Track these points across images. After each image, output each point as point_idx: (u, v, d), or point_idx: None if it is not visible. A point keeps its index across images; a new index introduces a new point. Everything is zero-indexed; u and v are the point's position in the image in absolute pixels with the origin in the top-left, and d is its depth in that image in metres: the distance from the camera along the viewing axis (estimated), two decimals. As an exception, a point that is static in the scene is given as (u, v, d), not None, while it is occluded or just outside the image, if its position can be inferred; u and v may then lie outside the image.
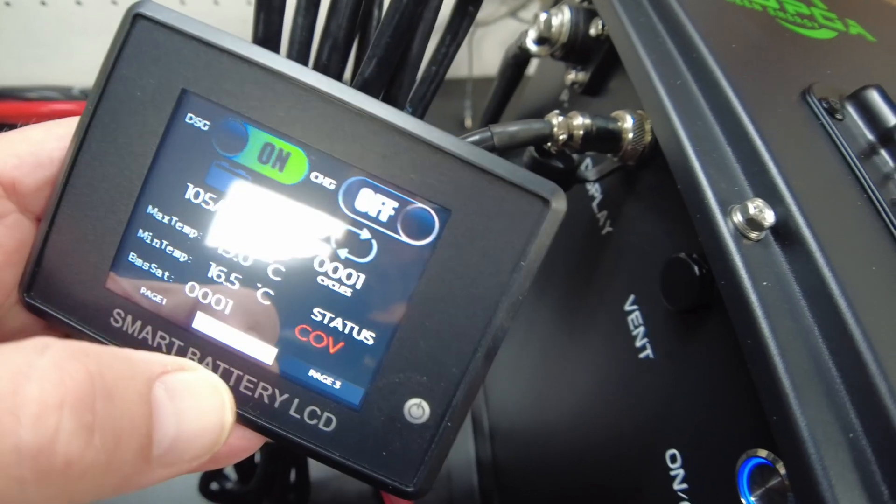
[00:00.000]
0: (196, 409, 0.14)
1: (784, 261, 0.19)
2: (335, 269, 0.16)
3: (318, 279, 0.16)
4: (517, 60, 0.33)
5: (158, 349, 0.16)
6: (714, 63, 0.23)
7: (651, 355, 0.24)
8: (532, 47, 0.30)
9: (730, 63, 0.24)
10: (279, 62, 0.16)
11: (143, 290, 0.16)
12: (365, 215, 0.16)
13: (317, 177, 0.16)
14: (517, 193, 0.16)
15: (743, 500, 0.19)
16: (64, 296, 0.16)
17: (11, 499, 0.10)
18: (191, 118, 0.16)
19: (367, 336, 0.16)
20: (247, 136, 0.16)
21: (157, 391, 0.13)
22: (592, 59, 0.29)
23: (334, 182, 0.16)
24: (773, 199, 0.20)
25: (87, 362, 0.11)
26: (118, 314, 0.16)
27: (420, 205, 0.16)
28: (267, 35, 0.22)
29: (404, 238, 0.16)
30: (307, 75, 0.16)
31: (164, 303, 0.16)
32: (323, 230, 0.16)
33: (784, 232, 0.19)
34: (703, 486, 0.21)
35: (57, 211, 0.16)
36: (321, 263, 0.16)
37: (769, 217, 0.19)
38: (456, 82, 0.63)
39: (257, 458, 0.36)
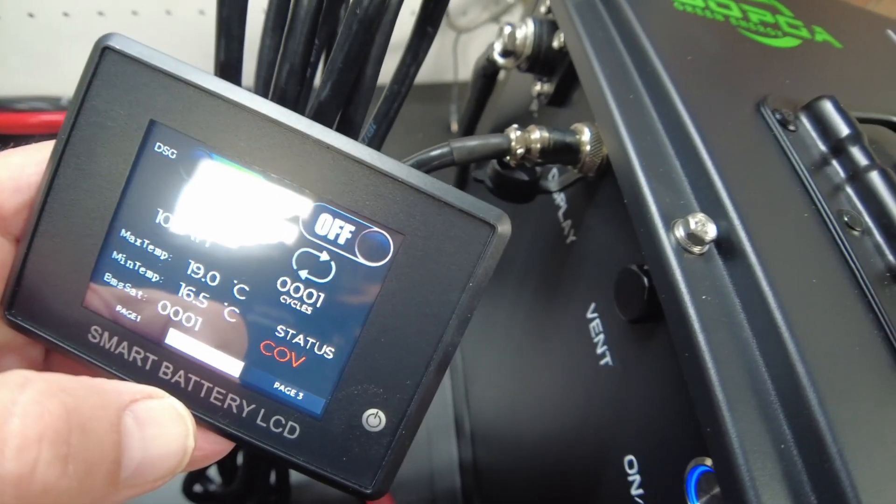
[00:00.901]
0: (161, 436, 0.15)
1: (725, 274, 0.20)
2: (297, 289, 0.17)
3: (281, 298, 0.17)
4: (486, 72, 0.33)
5: (133, 364, 0.17)
6: (666, 77, 0.24)
7: (610, 362, 0.25)
8: (498, 60, 0.30)
9: (683, 76, 0.24)
10: (240, 95, 0.16)
11: (118, 307, 0.17)
12: (324, 238, 0.17)
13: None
14: (465, 219, 0.17)
15: (689, 508, 0.19)
16: (44, 313, 0.17)
17: None
18: (159, 147, 0.17)
19: (327, 351, 0.17)
20: None
21: (126, 420, 0.14)
22: (557, 71, 0.30)
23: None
24: (717, 213, 0.20)
25: (64, 398, 0.13)
26: (95, 331, 0.17)
27: (375, 229, 0.17)
28: (228, 59, 0.23)
29: (361, 260, 0.17)
30: (266, 107, 0.16)
31: (138, 320, 0.17)
32: (285, 252, 0.17)
33: (727, 246, 0.20)
34: (657, 493, 0.21)
35: (35, 233, 0.17)
36: (283, 283, 0.17)
37: (711, 231, 0.19)
38: (441, 87, 0.63)
39: (239, 461, 0.37)
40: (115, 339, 0.17)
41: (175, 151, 0.17)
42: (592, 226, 0.27)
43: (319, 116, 0.21)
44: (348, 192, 0.16)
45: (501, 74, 0.36)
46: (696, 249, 0.20)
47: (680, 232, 0.20)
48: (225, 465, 0.39)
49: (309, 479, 0.45)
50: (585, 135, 0.25)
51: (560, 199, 0.30)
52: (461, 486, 0.42)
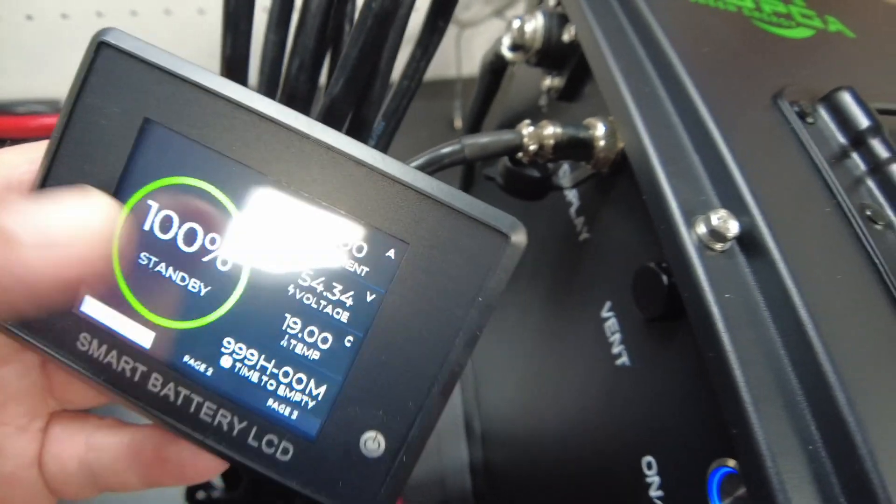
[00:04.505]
0: (68, 195, 0.13)
1: (749, 272, 0.19)
2: (290, 302, 0.16)
3: (274, 311, 0.16)
4: (494, 67, 0.33)
5: (123, 373, 0.17)
6: (683, 69, 0.23)
7: (627, 362, 0.24)
8: (507, 54, 0.30)
9: (699, 69, 0.24)
10: (237, 91, 0.16)
11: (108, 314, 0.17)
12: (320, 246, 0.16)
13: None
14: (476, 227, 0.15)
15: (712, 510, 0.19)
16: (36, 319, 0.17)
17: None
18: (153, 147, 0.16)
19: (323, 369, 0.16)
20: None
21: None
22: (567, 65, 0.29)
23: None
24: (739, 208, 0.20)
25: None
26: (84, 338, 0.17)
27: (377, 237, 0.16)
28: (234, 55, 0.22)
29: (360, 269, 0.16)
30: (264, 105, 0.16)
31: (127, 327, 0.17)
32: (281, 262, 0.16)
33: (749, 242, 0.19)
34: (677, 494, 0.21)
35: None
36: (277, 296, 0.16)
37: (733, 228, 0.19)
38: (445, 83, 0.62)
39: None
40: (103, 348, 0.17)
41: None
42: (607, 222, 0.26)
43: (331, 113, 0.20)
44: (348, 196, 0.16)
45: (508, 70, 0.35)
46: (718, 246, 0.19)
47: (701, 229, 0.19)
48: (229, 469, 0.39)
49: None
50: (599, 130, 0.25)
51: (572, 195, 0.29)
52: (472, 489, 0.42)
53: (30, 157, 0.17)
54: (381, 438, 0.16)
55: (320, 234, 0.16)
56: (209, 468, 0.17)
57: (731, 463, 0.18)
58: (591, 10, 0.26)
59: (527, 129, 0.24)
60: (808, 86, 0.25)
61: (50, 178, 0.16)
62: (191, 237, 0.16)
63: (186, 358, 0.16)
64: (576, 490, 0.27)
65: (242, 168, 0.16)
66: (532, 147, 0.24)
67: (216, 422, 0.16)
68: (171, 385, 0.16)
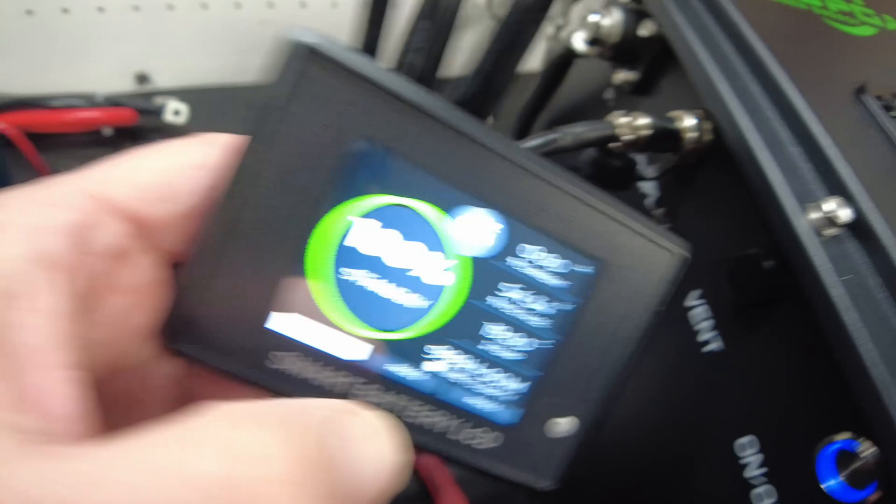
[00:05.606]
0: (370, 452, 0.13)
1: (859, 256, 0.20)
2: (498, 311, 0.17)
3: (481, 317, 0.17)
4: (562, 61, 0.33)
5: (320, 388, 0.16)
6: (774, 64, 0.24)
7: (717, 348, 0.25)
8: (582, 48, 0.31)
9: (787, 64, 0.25)
10: (454, 116, 0.15)
11: (302, 329, 0.16)
12: (526, 262, 0.17)
13: None
14: (657, 248, 0.18)
15: (822, 485, 0.20)
16: (215, 339, 0.15)
17: None
18: (364, 162, 0.15)
19: (523, 366, 0.18)
20: None
21: (330, 440, 0.12)
22: (642, 59, 0.30)
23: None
24: (846, 196, 0.21)
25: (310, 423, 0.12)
26: (274, 356, 0.16)
27: (580, 256, 0.18)
28: (367, 48, 0.22)
29: (562, 284, 0.18)
30: (475, 129, 0.16)
31: (324, 342, 0.16)
32: (488, 275, 0.17)
33: (857, 229, 0.20)
34: (780, 472, 0.22)
35: (210, 251, 0.15)
36: (485, 305, 0.17)
37: (844, 215, 0.20)
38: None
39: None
40: (297, 364, 0.16)
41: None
42: (692, 213, 0.27)
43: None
44: (556, 221, 0.17)
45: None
46: (830, 232, 0.20)
47: (813, 216, 0.20)
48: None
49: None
50: (686, 122, 0.26)
51: (648, 187, 0.30)
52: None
53: (182, 161, 0.15)
54: (569, 423, 0.19)
55: (528, 255, 0.17)
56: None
57: (844, 436, 0.19)
58: (675, 6, 0.27)
59: (619, 119, 0.25)
60: (883, 81, 0.26)
61: (240, 191, 0.15)
62: (398, 253, 0.16)
63: (388, 366, 0.17)
64: (652, 474, 0.28)
65: (451, 188, 0.16)
66: (627, 137, 0.25)
67: (418, 422, 0.17)
68: (376, 392, 0.17)
